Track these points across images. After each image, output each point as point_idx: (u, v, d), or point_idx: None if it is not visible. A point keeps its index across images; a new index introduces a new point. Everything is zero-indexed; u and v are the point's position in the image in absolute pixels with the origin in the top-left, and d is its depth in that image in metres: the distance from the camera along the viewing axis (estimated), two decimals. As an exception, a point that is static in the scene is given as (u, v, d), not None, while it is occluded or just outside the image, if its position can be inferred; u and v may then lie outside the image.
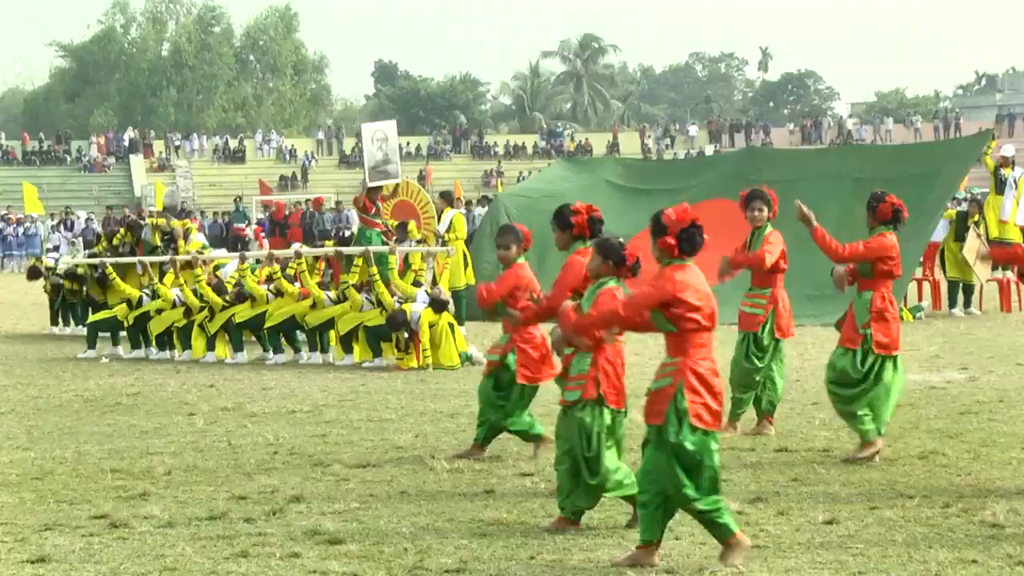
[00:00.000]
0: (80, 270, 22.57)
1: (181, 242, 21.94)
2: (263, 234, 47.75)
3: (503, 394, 11.05)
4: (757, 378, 12.04)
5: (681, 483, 7.63)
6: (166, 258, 20.95)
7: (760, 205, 12.29)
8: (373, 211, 19.24)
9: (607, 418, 8.64)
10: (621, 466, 8.71)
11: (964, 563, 7.63)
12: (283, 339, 18.84)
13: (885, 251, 10.80)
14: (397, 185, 21.22)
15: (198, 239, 22.52)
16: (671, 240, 7.78)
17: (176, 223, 22.56)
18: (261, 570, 7.86)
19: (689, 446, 7.62)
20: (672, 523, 8.73)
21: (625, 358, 8.78)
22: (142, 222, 23.29)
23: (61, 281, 22.92)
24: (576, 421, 8.64)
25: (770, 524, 8.65)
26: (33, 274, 24.31)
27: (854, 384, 10.76)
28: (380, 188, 19.64)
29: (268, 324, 18.58)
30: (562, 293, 9.60)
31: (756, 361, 12.01)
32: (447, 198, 24.83)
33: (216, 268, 20.46)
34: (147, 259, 20.85)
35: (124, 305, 19.88)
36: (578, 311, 8.44)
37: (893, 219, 10.90)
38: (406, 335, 17.29)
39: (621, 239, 8.96)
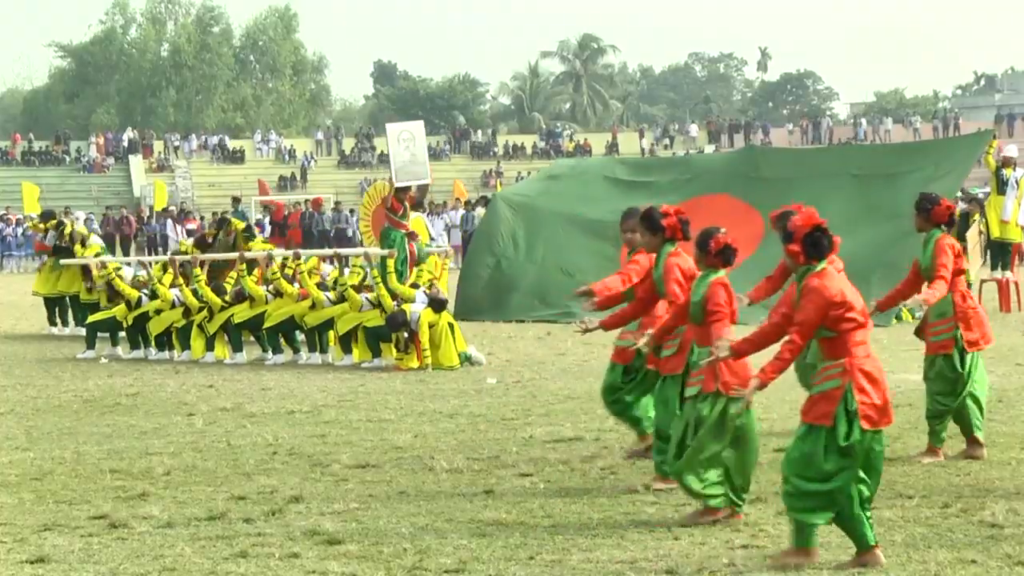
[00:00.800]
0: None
1: (78, 246, 22.42)
2: (262, 234, 47.68)
3: (631, 378, 10.89)
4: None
5: (848, 484, 7.56)
6: (165, 257, 20.97)
7: None
8: (400, 212, 19.18)
9: (725, 408, 8.68)
10: (717, 471, 8.74)
11: (963, 563, 7.63)
12: (282, 339, 18.84)
13: (955, 253, 10.72)
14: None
15: (95, 242, 23.10)
16: (796, 247, 7.74)
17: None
18: (260, 570, 7.86)
19: (858, 447, 7.56)
20: (671, 523, 8.75)
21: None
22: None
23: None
24: (690, 413, 8.77)
25: (770, 524, 8.65)
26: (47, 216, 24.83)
27: (954, 387, 10.72)
28: (408, 188, 19.63)
29: (267, 324, 18.58)
30: (679, 299, 9.55)
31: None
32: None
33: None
34: (147, 259, 20.87)
35: (123, 305, 19.87)
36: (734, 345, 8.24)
37: (949, 221, 10.83)
38: (406, 335, 17.29)
39: (722, 228, 9.01)
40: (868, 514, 7.64)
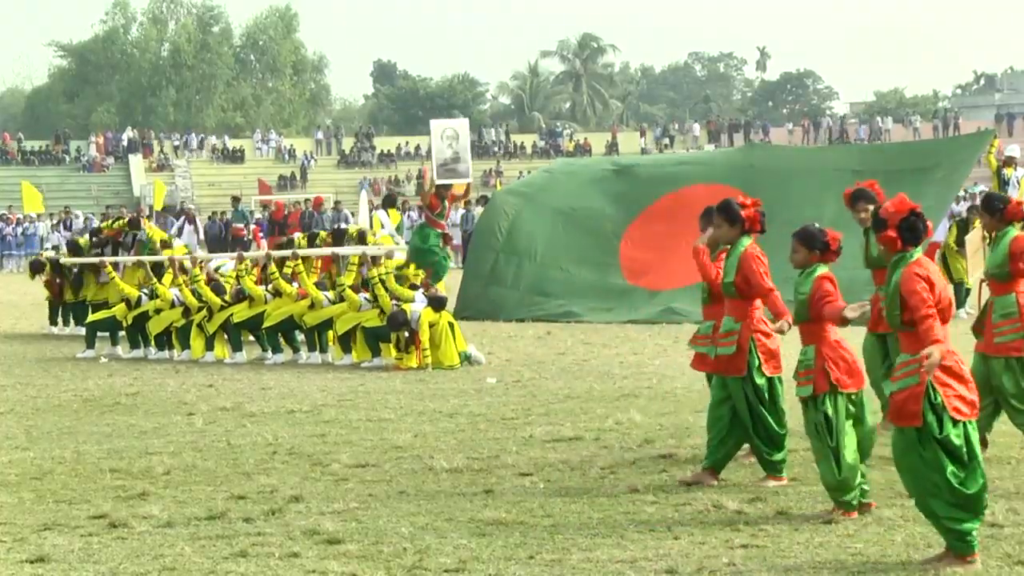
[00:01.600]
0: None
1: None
2: (261, 234, 47.70)
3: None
4: None
5: (949, 480, 7.50)
6: (163, 257, 20.97)
7: (864, 205, 11.89)
8: (439, 210, 19.17)
9: (844, 404, 8.74)
10: (859, 466, 8.77)
11: (963, 562, 7.62)
12: (282, 339, 18.84)
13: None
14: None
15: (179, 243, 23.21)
16: (892, 233, 7.67)
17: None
18: (260, 570, 7.86)
19: (955, 439, 7.51)
20: (670, 523, 8.75)
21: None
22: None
23: (58, 258, 23.26)
24: (814, 416, 8.77)
25: (770, 524, 8.65)
26: (36, 268, 24.38)
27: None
28: (449, 186, 19.63)
29: (266, 324, 18.58)
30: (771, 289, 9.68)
31: None
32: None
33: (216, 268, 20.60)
34: (147, 259, 20.87)
35: (123, 305, 19.87)
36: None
37: (1022, 218, 10.74)
38: (406, 335, 17.29)
39: (817, 224, 9.03)
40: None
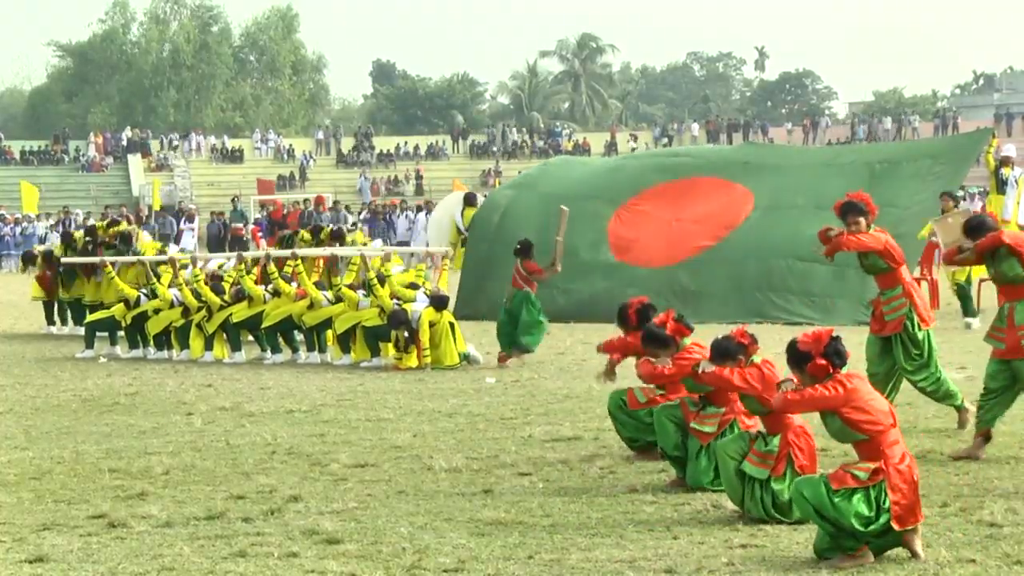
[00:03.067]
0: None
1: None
2: (260, 234, 47.72)
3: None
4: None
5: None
6: (165, 257, 20.96)
7: (855, 218, 11.90)
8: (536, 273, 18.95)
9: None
10: None
11: (962, 562, 7.64)
12: (281, 339, 18.84)
13: None
14: None
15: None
16: (821, 361, 7.82)
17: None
18: (259, 570, 7.86)
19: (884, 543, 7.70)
20: (669, 523, 8.75)
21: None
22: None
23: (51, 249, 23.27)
24: (762, 496, 8.74)
25: (769, 524, 8.65)
26: (28, 259, 24.40)
27: None
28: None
29: (265, 324, 18.58)
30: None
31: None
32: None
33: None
34: (148, 259, 20.87)
35: (122, 305, 19.87)
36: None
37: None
38: (406, 334, 17.28)
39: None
40: None
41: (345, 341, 18.02)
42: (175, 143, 79.98)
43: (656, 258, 21.80)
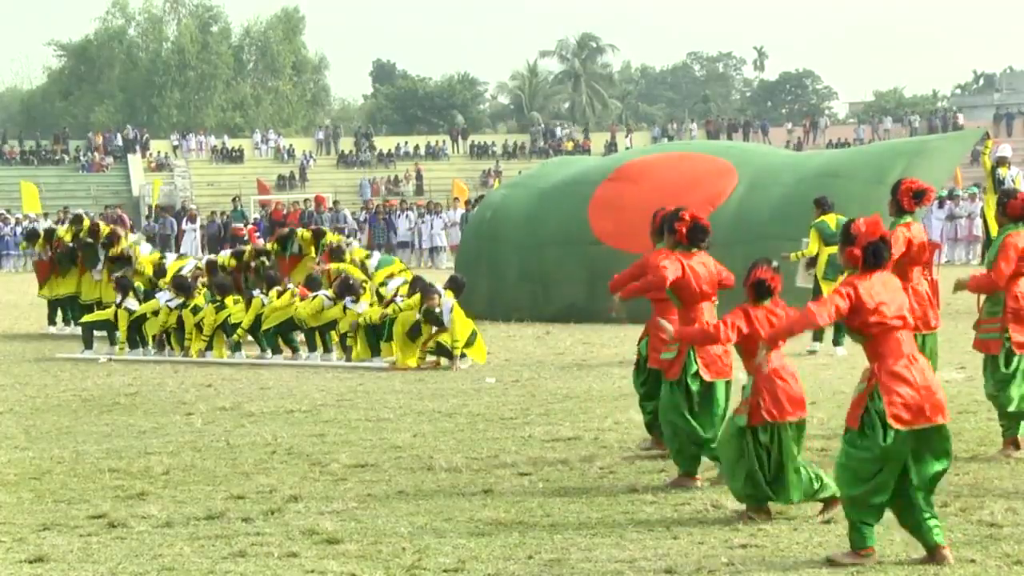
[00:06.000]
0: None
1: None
2: (258, 234, 47.70)
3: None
4: None
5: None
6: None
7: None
8: None
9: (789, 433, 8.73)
10: (808, 473, 8.76)
11: (962, 562, 7.63)
12: (280, 340, 18.85)
13: (1016, 251, 10.62)
14: None
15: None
16: (856, 251, 7.76)
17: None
18: (259, 570, 7.86)
19: (887, 443, 7.57)
20: (669, 523, 8.75)
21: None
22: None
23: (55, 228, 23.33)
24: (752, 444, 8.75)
25: (769, 524, 8.65)
26: (31, 236, 24.54)
27: (999, 387, 10.65)
28: None
29: (264, 326, 18.59)
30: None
31: None
32: None
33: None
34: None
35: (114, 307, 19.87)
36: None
37: (1022, 215, 10.74)
38: (434, 330, 17.25)
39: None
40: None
41: (311, 338, 18.37)
42: (176, 143, 79.99)
43: (643, 243, 21.72)
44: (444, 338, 17.14)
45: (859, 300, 7.64)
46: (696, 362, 9.79)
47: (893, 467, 7.59)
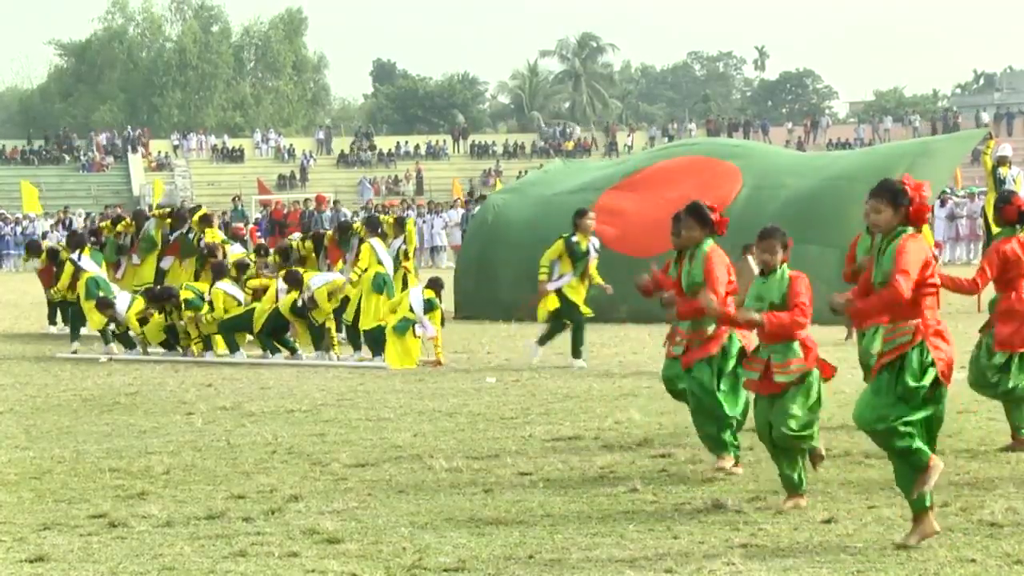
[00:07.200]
0: None
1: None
2: (259, 234, 47.68)
3: None
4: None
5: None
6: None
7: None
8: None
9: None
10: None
11: (962, 562, 7.63)
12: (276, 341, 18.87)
13: (1011, 256, 10.72)
14: None
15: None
16: (908, 208, 7.90)
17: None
18: (260, 569, 7.86)
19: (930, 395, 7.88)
20: (669, 523, 8.75)
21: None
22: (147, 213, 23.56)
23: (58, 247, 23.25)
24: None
25: (768, 523, 8.65)
26: (33, 248, 24.45)
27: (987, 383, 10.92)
28: None
29: (256, 327, 18.60)
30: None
31: None
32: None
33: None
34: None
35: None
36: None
37: (1018, 219, 10.79)
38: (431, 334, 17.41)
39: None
40: None
41: (356, 339, 18.31)
42: (176, 142, 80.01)
43: (646, 247, 21.67)
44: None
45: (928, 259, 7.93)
46: (739, 340, 10.03)
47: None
